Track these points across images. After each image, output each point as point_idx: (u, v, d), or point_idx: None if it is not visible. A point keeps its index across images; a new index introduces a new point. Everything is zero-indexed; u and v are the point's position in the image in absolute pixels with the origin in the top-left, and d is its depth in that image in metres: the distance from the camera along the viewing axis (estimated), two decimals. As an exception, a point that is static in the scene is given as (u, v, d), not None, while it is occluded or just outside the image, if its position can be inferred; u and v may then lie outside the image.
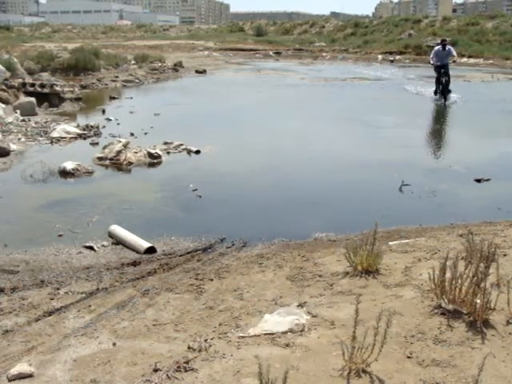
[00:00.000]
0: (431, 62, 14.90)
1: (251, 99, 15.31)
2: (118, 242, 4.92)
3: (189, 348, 2.70)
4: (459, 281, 2.90)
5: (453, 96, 15.36)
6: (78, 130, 10.00)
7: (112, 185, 7.05)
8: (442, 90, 14.69)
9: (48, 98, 13.43)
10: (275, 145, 9.32)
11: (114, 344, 2.82)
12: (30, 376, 2.55)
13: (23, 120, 11.03)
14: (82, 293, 3.75)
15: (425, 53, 35.13)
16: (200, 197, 6.32)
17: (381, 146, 9.26)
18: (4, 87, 12.73)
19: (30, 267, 4.33)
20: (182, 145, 8.85)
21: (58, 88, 13.77)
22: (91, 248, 4.79)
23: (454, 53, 14.99)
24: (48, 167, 7.17)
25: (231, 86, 18.80)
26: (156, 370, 2.49)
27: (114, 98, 15.40)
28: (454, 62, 15.12)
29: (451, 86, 15.01)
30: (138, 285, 3.85)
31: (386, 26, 46.96)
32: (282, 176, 7.39)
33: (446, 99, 14.55)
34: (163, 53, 30.66)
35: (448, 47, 14.80)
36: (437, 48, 14.94)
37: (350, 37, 46.31)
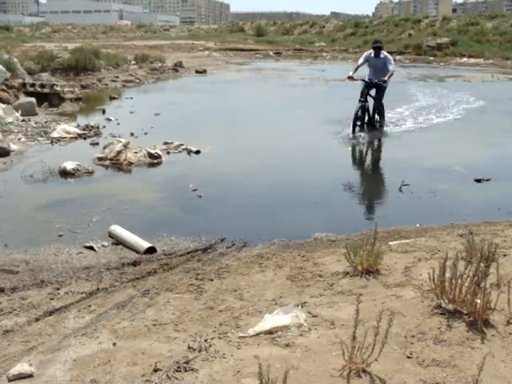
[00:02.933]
0: (351, 74, 9.64)
1: (251, 99, 15.32)
2: (118, 242, 4.92)
3: (189, 348, 2.70)
4: (459, 281, 2.90)
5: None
6: (78, 130, 10.00)
7: (112, 185, 7.05)
8: (369, 120, 9.92)
9: (48, 98, 13.43)
10: (275, 145, 9.32)
11: (114, 344, 2.82)
12: (30, 376, 2.55)
13: (23, 120, 11.03)
14: (82, 293, 3.75)
15: (424, 53, 35.22)
16: (200, 197, 6.32)
17: (380, 146, 9.27)
18: (4, 87, 12.74)
19: (30, 267, 4.32)
20: (182, 145, 8.85)
21: (58, 88, 13.78)
22: (91, 248, 4.79)
23: (392, 65, 9.56)
24: (48, 167, 7.17)
25: (231, 86, 18.80)
26: (156, 370, 2.48)
27: (114, 98, 15.41)
28: (384, 81, 9.41)
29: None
30: (138, 285, 3.85)
31: (386, 26, 46.98)
32: (283, 176, 7.39)
33: (375, 130, 9.85)
34: (163, 53, 30.66)
35: (384, 54, 9.66)
36: (368, 53, 9.90)
37: (350, 37, 46.32)
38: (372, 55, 9.68)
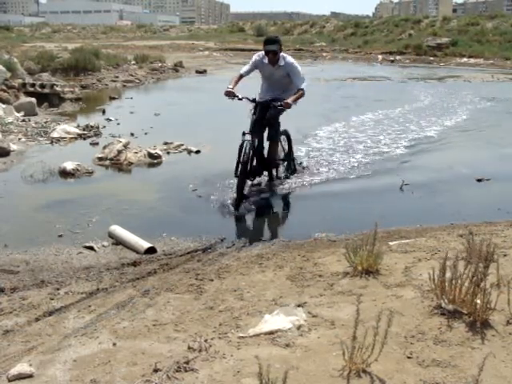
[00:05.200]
0: (230, 87, 5.92)
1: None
2: (118, 242, 4.92)
3: (189, 348, 2.69)
4: (459, 281, 2.90)
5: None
6: (78, 130, 10.01)
7: (112, 185, 7.05)
8: (253, 171, 6.12)
9: (48, 98, 13.44)
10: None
11: (114, 344, 2.82)
12: (30, 376, 2.55)
13: (23, 120, 11.04)
14: (82, 293, 3.75)
15: (424, 53, 35.25)
16: (200, 197, 6.32)
17: (379, 146, 9.26)
18: (4, 87, 12.75)
19: (30, 267, 4.32)
20: (182, 145, 8.86)
21: (58, 88, 13.78)
22: (91, 248, 4.79)
23: (301, 78, 6.01)
24: (48, 167, 7.17)
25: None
26: (156, 370, 2.48)
27: (114, 98, 15.41)
28: (285, 106, 5.80)
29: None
30: (138, 285, 3.85)
31: (386, 26, 47.08)
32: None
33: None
34: (163, 53, 30.69)
35: (286, 59, 6.06)
36: (259, 56, 6.20)
37: (350, 37, 46.42)
38: (265, 61, 6.06)
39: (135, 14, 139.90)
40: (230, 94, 5.92)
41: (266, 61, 6.11)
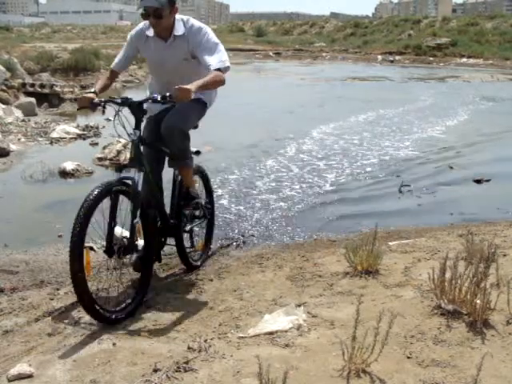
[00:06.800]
0: (93, 90, 3.40)
1: (251, 100, 15.31)
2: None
3: (189, 348, 2.69)
4: (459, 281, 2.90)
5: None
6: (77, 131, 10.01)
7: (112, 185, 7.03)
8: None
9: (48, 99, 13.46)
10: (275, 145, 9.32)
11: (114, 344, 2.82)
12: (30, 376, 2.55)
13: (23, 120, 11.04)
14: (81, 293, 3.74)
15: (424, 53, 35.26)
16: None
17: (379, 147, 9.26)
18: (4, 87, 12.76)
19: (30, 267, 4.32)
20: (181, 145, 8.85)
21: (57, 88, 13.81)
22: (91, 248, 4.78)
23: (216, 54, 3.61)
24: (48, 167, 7.17)
25: (230, 87, 18.79)
26: (156, 370, 2.48)
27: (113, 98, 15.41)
28: (181, 94, 3.05)
29: None
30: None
31: (386, 26, 47.12)
32: (282, 176, 7.38)
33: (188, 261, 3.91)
34: (163, 53, 30.62)
35: (188, 24, 3.41)
36: (139, 30, 3.49)
37: (350, 37, 46.46)
38: (150, 33, 3.49)
39: (135, 14, 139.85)
40: (84, 104, 3.36)
41: (150, 33, 3.48)
